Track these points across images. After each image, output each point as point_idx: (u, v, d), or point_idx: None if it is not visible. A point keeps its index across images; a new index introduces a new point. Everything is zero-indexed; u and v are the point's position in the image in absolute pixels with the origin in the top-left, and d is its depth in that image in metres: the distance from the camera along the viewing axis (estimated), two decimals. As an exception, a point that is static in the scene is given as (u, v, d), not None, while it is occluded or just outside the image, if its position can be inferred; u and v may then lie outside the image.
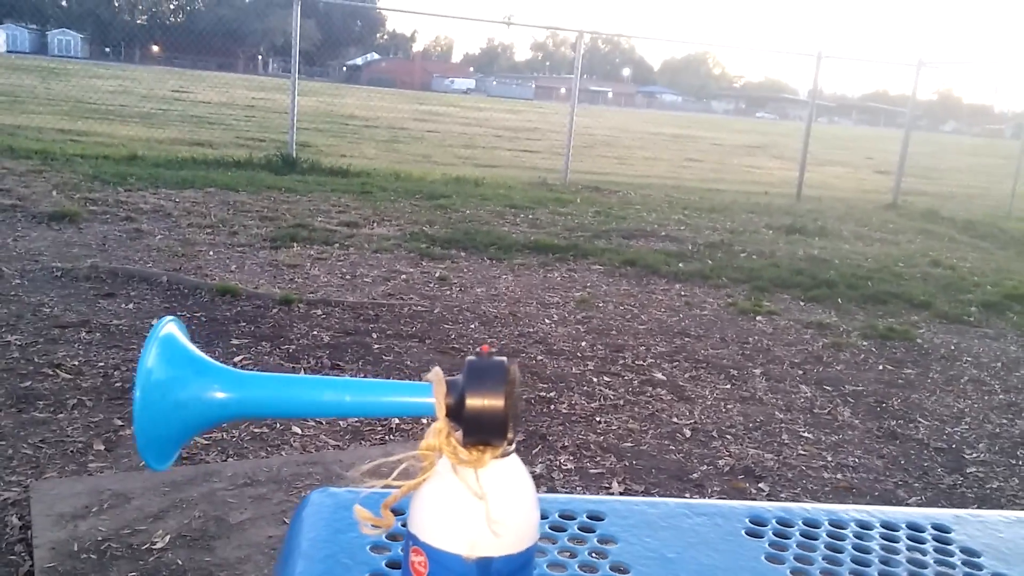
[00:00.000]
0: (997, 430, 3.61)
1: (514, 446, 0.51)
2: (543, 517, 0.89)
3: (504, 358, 0.49)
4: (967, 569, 0.84)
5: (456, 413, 0.48)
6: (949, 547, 0.88)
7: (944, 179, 17.65)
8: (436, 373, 0.49)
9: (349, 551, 0.78)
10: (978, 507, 2.87)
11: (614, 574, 0.82)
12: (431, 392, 0.48)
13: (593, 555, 0.84)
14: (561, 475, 2.81)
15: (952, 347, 4.78)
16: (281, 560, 0.80)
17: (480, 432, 0.48)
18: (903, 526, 0.92)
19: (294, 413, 0.50)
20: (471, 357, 0.49)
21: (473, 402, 0.48)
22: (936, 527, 0.92)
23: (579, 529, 0.88)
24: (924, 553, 0.86)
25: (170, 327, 0.52)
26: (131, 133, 11.84)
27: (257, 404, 0.50)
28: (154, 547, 2.10)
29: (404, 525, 0.52)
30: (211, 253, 5.31)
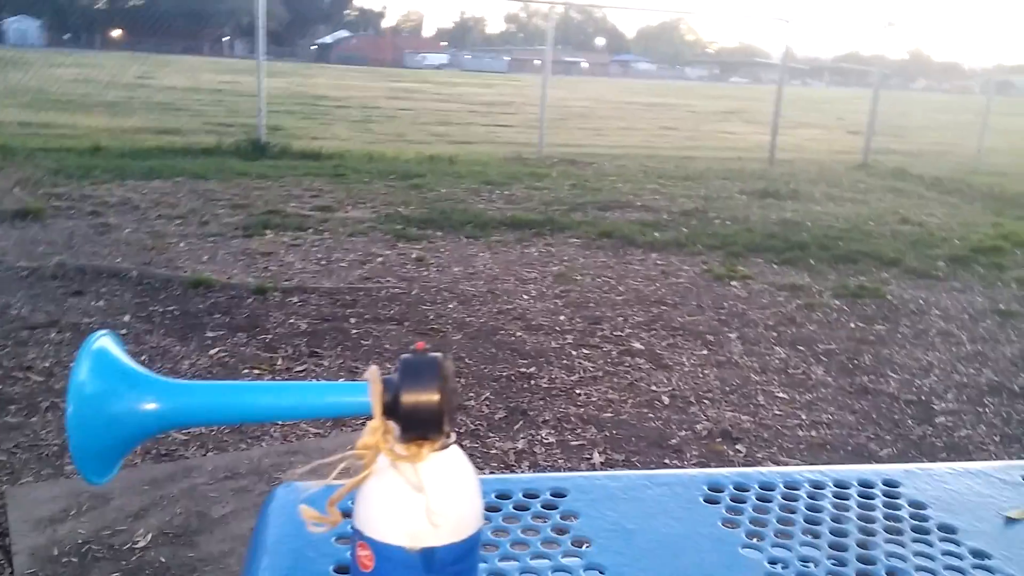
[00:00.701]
0: (965, 380, 3.69)
1: (453, 438, 0.53)
2: (506, 498, 0.91)
3: (439, 354, 0.51)
4: (914, 521, 0.87)
5: (393, 410, 0.50)
6: (897, 500, 0.91)
7: (914, 137, 17.76)
8: (372, 372, 0.50)
9: (314, 544, 0.79)
10: (947, 455, 2.94)
11: (575, 548, 0.84)
12: (367, 391, 0.49)
13: (555, 531, 0.87)
14: (543, 449, 2.84)
15: (921, 302, 4.85)
16: (248, 556, 0.81)
17: (416, 427, 0.50)
18: (854, 483, 0.95)
19: (232, 420, 0.52)
20: (405, 355, 0.51)
21: (408, 398, 0.49)
22: (886, 482, 0.95)
23: (542, 507, 0.90)
24: (873, 508, 0.89)
25: (103, 340, 0.53)
26: (94, 123, 11.64)
27: (193, 413, 0.51)
28: (136, 546, 2.11)
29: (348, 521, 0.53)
30: (182, 245, 5.27)
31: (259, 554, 0.79)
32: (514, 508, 0.90)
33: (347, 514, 0.58)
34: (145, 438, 0.50)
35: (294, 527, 0.82)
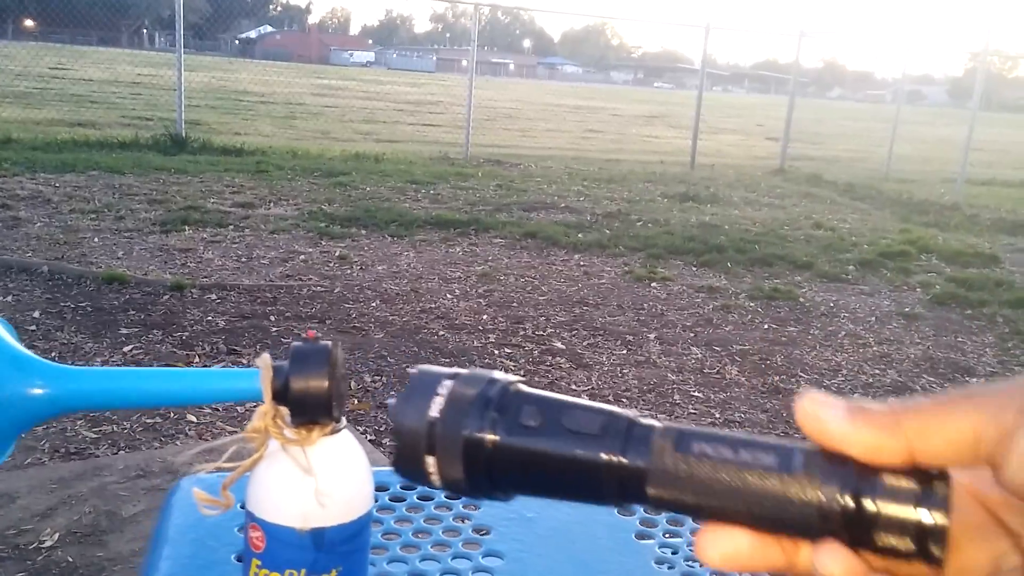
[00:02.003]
0: (870, 380, 3.86)
1: (344, 423, 0.55)
2: (410, 489, 0.94)
3: (329, 342, 0.53)
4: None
5: (282, 396, 0.52)
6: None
7: (828, 144, 18.43)
8: (264, 359, 0.52)
9: (215, 533, 0.80)
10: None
11: (475, 536, 0.87)
12: (258, 378, 0.51)
13: (457, 520, 0.90)
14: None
15: (831, 304, 5.06)
16: (150, 545, 0.82)
17: (305, 412, 0.52)
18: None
19: (124, 404, 0.53)
20: (296, 343, 0.53)
21: (297, 384, 0.51)
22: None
23: (445, 497, 0.93)
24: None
25: (-8, 328, 0.53)
26: (5, 114, 11.15)
27: (85, 397, 0.52)
28: (43, 546, 2.05)
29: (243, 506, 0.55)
30: (96, 240, 5.11)
31: (160, 543, 0.79)
32: (418, 499, 0.93)
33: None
34: (36, 422, 0.51)
35: (197, 518, 0.83)
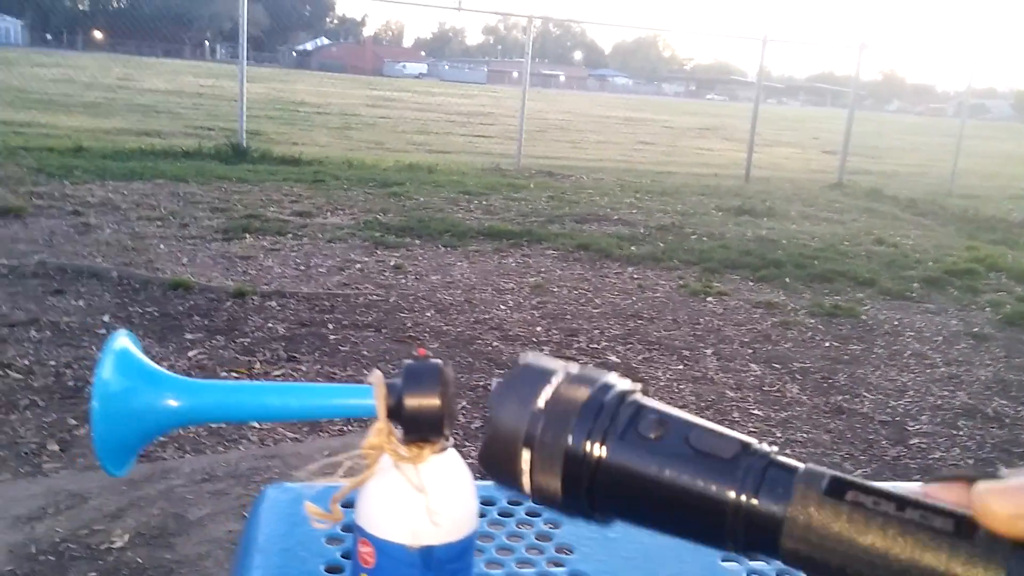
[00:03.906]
0: (939, 402, 3.76)
1: (451, 441, 0.55)
2: (491, 504, 0.94)
3: (439, 361, 0.53)
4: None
5: (396, 413, 0.52)
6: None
7: (888, 158, 18.05)
8: (377, 376, 0.53)
9: (305, 543, 0.81)
10: (920, 477, 2.99)
11: (558, 555, 0.87)
12: (372, 394, 0.52)
13: (539, 538, 0.89)
14: (518, 459, 2.86)
15: (895, 323, 4.94)
16: (239, 554, 0.83)
17: (418, 430, 0.52)
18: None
19: (242, 418, 0.54)
20: (408, 361, 0.53)
21: (411, 402, 0.51)
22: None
23: (526, 514, 0.93)
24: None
25: (123, 340, 0.55)
26: (76, 124, 11.55)
27: (206, 410, 0.54)
28: (113, 546, 2.10)
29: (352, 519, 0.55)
30: (162, 246, 5.24)
31: (251, 552, 0.80)
32: (499, 515, 0.93)
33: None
34: (161, 433, 0.52)
35: (285, 527, 0.84)
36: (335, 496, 0.53)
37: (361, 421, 3.10)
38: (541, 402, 0.31)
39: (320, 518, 0.53)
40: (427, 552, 0.52)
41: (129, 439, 0.53)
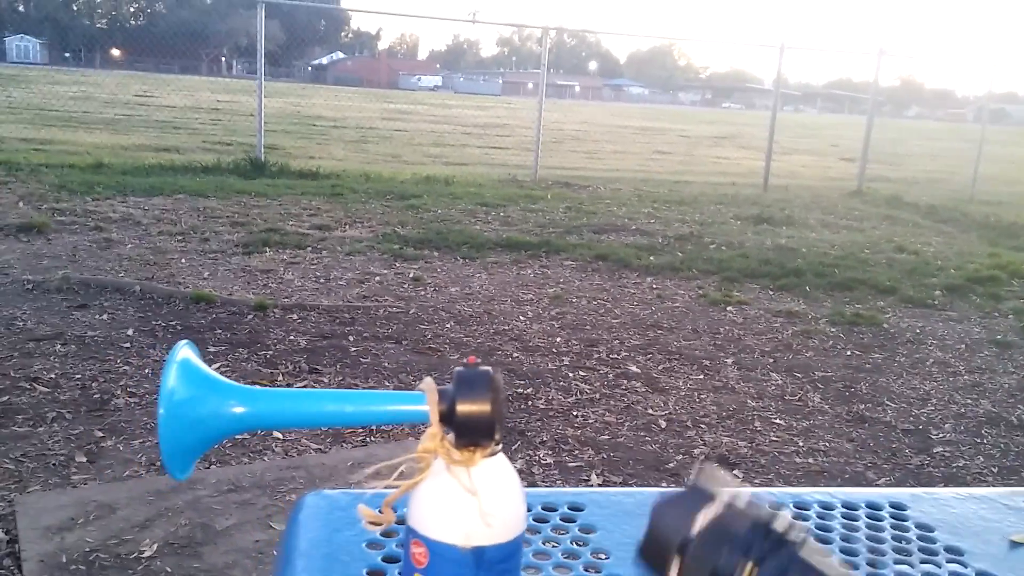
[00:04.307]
0: (962, 410, 3.73)
1: (500, 446, 0.57)
2: (527, 510, 0.95)
3: (489, 368, 0.55)
4: (922, 543, 0.91)
5: (448, 418, 0.53)
6: (905, 523, 0.94)
7: (908, 164, 17.96)
8: (428, 383, 0.54)
9: (346, 548, 0.82)
10: (944, 486, 2.97)
11: (595, 559, 0.88)
12: (424, 400, 0.53)
13: (575, 543, 0.90)
14: (541, 469, 2.86)
15: (917, 331, 4.90)
16: (280, 561, 0.84)
17: (470, 434, 0.53)
18: (863, 505, 0.98)
19: (300, 424, 0.55)
20: (459, 368, 0.55)
21: (463, 408, 0.53)
22: (893, 505, 0.99)
23: (561, 520, 0.93)
24: (882, 530, 0.93)
25: (185, 351, 0.57)
26: (96, 140, 11.71)
27: (267, 417, 0.55)
28: (142, 556, 2.12)
29: (401, 522, 0.57)
30: (183, 261, 5.30)
31: (292, 559, 0.81)
32: (535, 520, 0.94)
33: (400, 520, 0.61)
34: (221, 439, 0.54)
35: (325, 532, 0.85)
36: (388, 499, 0.54)
37: (383, 432, 3.12)
38: (695, 528, 0.33)
39: (373, 520, 0.54)
40: (479, 552, 0.53)
41: (192, 444, 0.55)
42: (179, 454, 0.54)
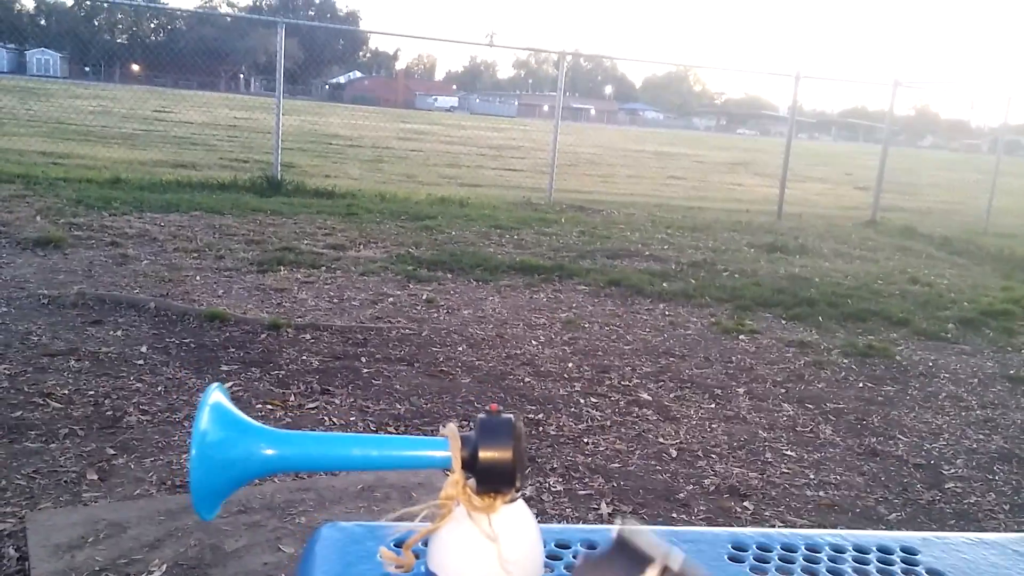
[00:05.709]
0: (974, 446, 3.70)
1: (521, 492, 0.57)
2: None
3: (511, 415, 0.56)
4: (933, 589, 0.91)
5: (470, 465, 0.54)
6: (916, 568, 0.94)
7: (922, 194, 17.91)
8: (451, 430, 0.55)
9: (360, 584, 0.83)
10: (956, 522, 2.95)
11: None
12: (447, 446, 0.54)
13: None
14: (551, 497, 2.86)
15: (930, 364, 4.88)
16: (295, 593, 0.85)
17: (491, 481, 0.54)
18: (874, 548, 0.98)
19: (327, 467, 0.57)
20: (482, 415, 0.56)
21: (485, 455, 0.54)
22: (904, 549, 0.99)
23: (573, 557, 0.94)
24: (892, 575, 0.93)
25: (217, 394, 0.58)
26: (113, 155, 11.83)
27: (295, 459, 0.56)
28: None
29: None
30: (198, 278, 5.34)
31: (308, 591, 0.82)
32: (548, 557, 0.94)
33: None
34: (249, 480, 0.55)
35: (341, 565, 0.86)
36: (408, 542, 0.55)
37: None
38: None
39: (394, 563, 0.55)
40: (497, 598, 0.54)
41: (222, 485, 0.56)
42: (209, 494, 0.55)
